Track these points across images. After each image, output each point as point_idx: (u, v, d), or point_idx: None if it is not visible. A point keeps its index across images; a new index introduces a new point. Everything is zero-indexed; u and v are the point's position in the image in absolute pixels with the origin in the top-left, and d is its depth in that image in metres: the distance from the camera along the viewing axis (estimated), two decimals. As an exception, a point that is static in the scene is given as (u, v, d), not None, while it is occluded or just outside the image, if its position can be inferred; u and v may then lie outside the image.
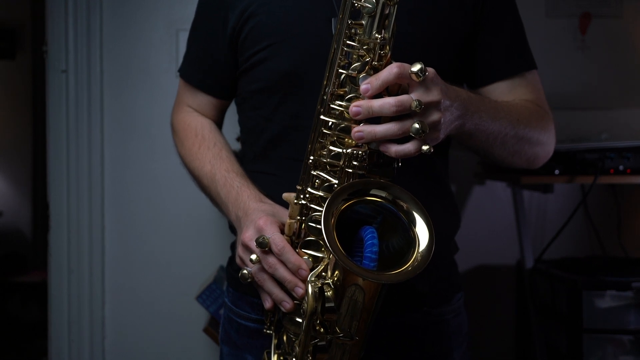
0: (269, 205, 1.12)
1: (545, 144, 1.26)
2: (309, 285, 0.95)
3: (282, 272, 1.02)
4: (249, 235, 1.07)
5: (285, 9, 1.17)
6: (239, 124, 1.32)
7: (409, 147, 0.95)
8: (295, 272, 1.01)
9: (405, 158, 0.98)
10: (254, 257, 1.05)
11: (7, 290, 4.48)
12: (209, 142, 1.30)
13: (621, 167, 2.10)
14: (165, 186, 2.34)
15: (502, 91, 1.24)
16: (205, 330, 2.28)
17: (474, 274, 2.60)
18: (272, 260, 1.03)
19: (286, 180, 1.13)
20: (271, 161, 1.22)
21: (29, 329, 4.10)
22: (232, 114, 1.37)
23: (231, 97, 1.34)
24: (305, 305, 0.95)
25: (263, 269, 1.05)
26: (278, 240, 1.03)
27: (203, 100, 1.35)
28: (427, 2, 1.18)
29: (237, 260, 1.13)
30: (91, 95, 2.32)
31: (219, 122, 1.38)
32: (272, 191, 1.16)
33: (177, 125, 1.37)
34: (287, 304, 1.03)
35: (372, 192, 0.98)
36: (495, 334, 2.61)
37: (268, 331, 1.13)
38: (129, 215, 2.36)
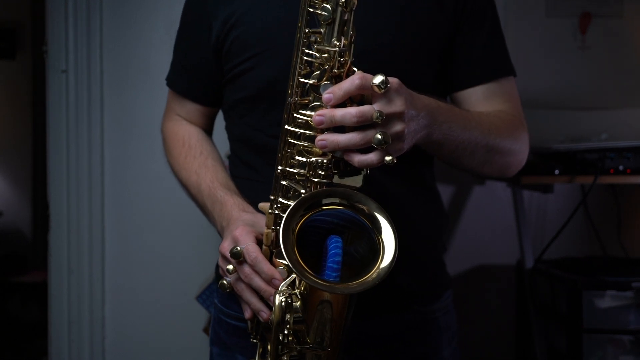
0: (251, 215, 1.13)
1: (518, 152, 1.25)
2: (276, 296, 0.96)
3: (257, 282, 1.03)
4: (225, 246, 1.09)
5: (268, 20, 1.18)
6: (227, 131, 1.33)
7: (371, 157, 0.96)
8: (268, 282, 1.02)
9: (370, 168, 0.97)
10: (230, 267, 1.06)
11: (7, 290, 4.48)
12: (195, 151, 1.31)
13: (621, 167, 2.10)
14: (165, 186, 2.34)
15: (478, 97, 1.24)
16: (205, 330, 2.29)
17: (474, 274, 2.60)
18: (247, 270, 1.04)
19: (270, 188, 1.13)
20: (259, 168, 1.23)
21: (29, 329, 4.09)
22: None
23: (218, 104, 1.35)
24: (272, 316, 0.96)
25: (240, 279, 1.06)
26: (251, 251, 1.04)
27: (191, 108, 1.36)
28: (410, 11, 1.18)
29: (220, 270, 1.15)
30: (91, 95, 2.32)
31: (208, 130, 1.39)
32: (260, 198, 1.16)
33: (166, 134, 1.39)
34: (264, 314, 1.04)
35: (330, 200, 0.97)
36: (495, 334, 2.61)
37: (254, 340, 1.13)
38: (129, 215, 2.35)
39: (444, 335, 1.27)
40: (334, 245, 0.96)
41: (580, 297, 2.04)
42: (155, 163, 2.34)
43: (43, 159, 2.48)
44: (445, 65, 1.23)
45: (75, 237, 2.34)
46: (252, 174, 1.24)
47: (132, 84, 2.34)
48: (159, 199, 2.34)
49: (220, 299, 1.30)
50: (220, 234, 1.19)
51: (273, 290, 1.01)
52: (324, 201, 0.97)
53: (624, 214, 2.57)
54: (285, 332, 0.96)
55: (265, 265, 1.03)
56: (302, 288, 0.96)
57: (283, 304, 0.95)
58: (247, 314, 1.09)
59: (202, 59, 1.27)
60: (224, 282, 1.09)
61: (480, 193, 2.62)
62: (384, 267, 0.93)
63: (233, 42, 1.20)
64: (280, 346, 0.98)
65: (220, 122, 1.40)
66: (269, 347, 1.06)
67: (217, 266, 1.32)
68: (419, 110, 1.00)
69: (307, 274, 0.91)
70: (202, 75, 1.30)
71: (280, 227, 0.93)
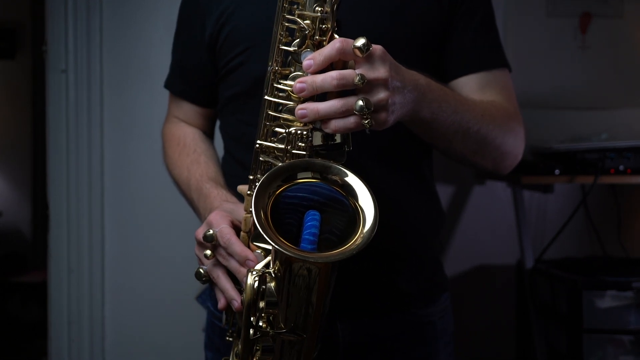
0: (231, 204, 1.11)
1: (512, 145, 1.21)
2: (249, 275, 0.89)
3: (234, 264, 1.00)
4: (199, 231, 1.06)
5: (259, 14, 1.17)
6: (220, 130, 1.33)
7: (349, 120, 0.89)
8: (242, 263, 0.99)
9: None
10: (208, 252, 1.03)
11: (7, 290, 4.48)
12: (188, 149, 1.30)
13: (621, 167, 2.10)
14: (165, 186, 2.32)
15: (472, 87, 1.21)
16: (205, 330, 2.28)
17: (474, 274, 2.60)
18: (223, 252, 1.02)
19: None
20: (249, 166, 1.22)
21: (29, 329, 4.09)
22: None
23: (215, 105, 1.34)
24: (243, 296, 0.89)
25: (217, 264, 1.03)
26: (225, 233, 1.01)
27: (188, 109, 1.36)
28: (405, 2, 1.17)
29: (198, 260, 1.10)
30: (91, 95, 2.32)
31: (207, 131, 1.39)
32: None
33: (164, 136, 1.39)
34: (236, 303, 1.00)
35: (300, 174, 0.91)
36: (495, 334, 2.61)
37: (229, 338, 1.10)
38: (129, 215, 2.35)
39: (440, 340, 1.25)
40: (311, 218, 0.90)
41: (580, 297, 2.04)
42: (155, 163, 2.34)
43: (43, 159, 2.48)
44: (439, 57, 1.22)
45: (75, 237, 2.33)
46: (243, 171, 1.23)
47: (132, 84, 2.33)
48: (159, 199, 2.34)
49: (214, 303, 1.29)
50: None
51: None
52: (300, 175, 0.91)
53: (624, 214, 2.57)
54: (258, 315, 0.89)
55: (238, 247, 0.99)
56: (277, 268, 0.89)
57: (256, 283, 0.88)
58: (221, 303, 1.04)
59: (197, 59, 1.28)
60: (200, 270, 1.05)
61: (480, 193, 2.62)
62: (365, 234, 0.86)
63: (225, 39, 1.20)
64: (251, 331, 0.90)
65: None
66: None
67: None
68: (405, 82, 0.95)
69: (279, 242, 0.83)
70: (197, 75, 1.30)
71: (253, 194, 0.87)
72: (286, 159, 0.95)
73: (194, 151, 1.30)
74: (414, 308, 1.21)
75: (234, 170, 1.26)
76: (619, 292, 2.05)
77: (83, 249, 2.33)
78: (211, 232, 1.02)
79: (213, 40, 1.23)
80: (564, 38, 2.59)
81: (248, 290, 0.88)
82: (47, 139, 2.37)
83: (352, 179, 0.91)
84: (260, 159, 0.99)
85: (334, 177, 0.91)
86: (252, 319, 0.90)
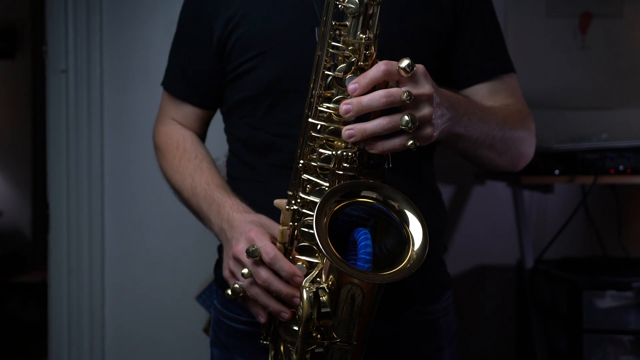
0: (255, 216, 1.12)
1: (530, 143, 1.27)
2: (304, 291, 0.93)
3: (277, 285, 1.01)
4: (240, 248, 1.05)
5: (270, 19, 1.18)
6: (226, 133, 1.33)
7: (394, 141, 0.94)
8: (289, 279, 1.00)
9: (393, 153, 0.97)
10: (245, 271, 1.03)
11: (7, 290, 4.49)
12: (190, 155, 1.30)
13: (621, 167, 2.10)
14: (165, 186, 2.32)
15: (483, 94, 1.25)
16: (205, 330, 2.28)
17: (475, 274, 2.60)
18: (265, 275, 1.02)
19: (274, 188, 1.13)
20: (259, 169, 1.23)
21: (29, 329, 4.10)
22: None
23: (216, 108, 1.35)
24: (301, 311, 0.93)
25: (255, 283, 1.04)
26: (269, 249, 1.01)
27: (188, 112, 1.35)
28: (410, 11, 1.18)
29: (226, 274, 1.12)
30: (91, 95, 2.32)
31: (202, 134, 1.39)
32: (259, 199, 1.16)
33: (159, 137, 1.38)
34: (286, 314, 1.02)
35: (363, 193, 0.97)
36: (495, 334, 2.61)
37: (265, 342, 1.11)
38: (129, 215, 2.35)
39: (444, 336, 1.27)
40: (364, 237, 0.95)
41: (580, 297, 2.04)
42: (155, 163, 2.33)
43: (43, 159, 2.48)
44: (444, 65, 1.24)
45: (75, 237, 2.34)
46: (252, 175, 1.24)
47: (132, 84, 2.34)
48: (159, 199, 2.33)
49: (220, 300, 1.29)
50: (219, 237, 1.18)
51: (295, 291, 0.99)
52: (363, 193, 0.97)
53: (624, 214, 2.57)
54: (313, 327, 0.95)
55: (285, 264, 1.00)
56: (330, 282, 0.94)
57: (312, 298, 0.93)
58: (263, 318, 1.07)
59: (203, 63, 1.27)
60: (237, 286, 1.05)
61: (480, 193, 2.62)
62: (417, 255, 0.93)
63: (235, 43, 1.20)
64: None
65: (216, 124, 1.40)
66: (281, 347, 1.06)
67: (216, 267, 1.32)
68: (442, 99, 0.99)
69: (343, 264, 0.89)
70: (201, 78, 1.30)
71: (313, 216, 0.92)
72: (331, 178, 0.99)
73: (195, 157, 1.29)
74: (418, 305, 1.22)
75: (243, 174, 1.26)
76: (619, 292, 2.05)
77: (83, 249, 2.34)
78: (255, 247, 1.01)
79: (222, 45, 1.22)
80: (564, 38, 2.59)
81: (305, 305, 0.92)
82: (47, 139, 2.37)
83: (408, 207, 0.97)
84: (304, 177, 1.02)
85: (392, 202, 0.97)
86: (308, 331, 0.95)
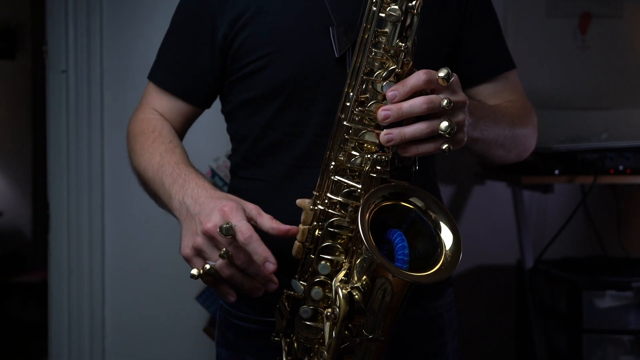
0: (224, 194, 1.07)
1: (534, 137, 1.33)
2: (339, 290, 0.96)
3: (256, 268, 0.97)
4: (212, 225, 0.99)
5: (282, 18, 1.17)
6: (229, 132, 1.30)
7: (429, 145, 0.97)
8: (261, 264, 0.96)
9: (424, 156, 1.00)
10: (224, 251, 0.96)
11: (7, 290, 4.48)
12: (164, 139, 1.24)
13: (621, 167, 2.10)
14: (165, 186, 2.34)
15: (489, 93, 1.29)
16: (205, 330, 2.29)
17: (474, 273, 2.61)
18: (245, 256, 0.98)
19: (279, 187, 1.13)
20: (266, 168, 1.21)
21: (29, 329, 4.10)
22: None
23: (205, 107, 1.32)
24: (337, 310, 0.95)
25: (232, 264, 0.99)
26: (244, 229, 0.96)
27: (174, 105, 1.31)
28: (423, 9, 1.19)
29: (187, 252, 1.06)
30: (91, 95, 2.32)
31: (182, 133, 1.34)
32: (266, 198, 1.15)
33: (135, 124, 1.32)
34: (259, 292, 1.00)
35: (412, 199, 1.00)
36: (495, 334, 2.61)
37: (276, 338, 1.10)
38: (129, 215, 2.35)
39: (448, 331, 1.28)
40: (400, 239, 0.98)
41: (580, 297, 2.04)
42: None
43: (43, 159, 2.48)
44: (451, 66, 1.24)
45: (75, 237, 2.34)
46: (258, 174, 1.23)
47: (132, 84, 2.33)
48: (159, 199, 2.34)
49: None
50: (176, 212, 1.14)
51: (272, 276, 0.98)
52: (412, 199, 1.00)
53: (624, 214, 2.57)
54: (347, 324, 0.96)
55: (259, 246, 0.96)
56: (364, 282, 0.96)
57: (347, 297, 0.95)
58: (232, 298, 1.03)
59: (202, 58, 1.25)
60: (207, 266, 0.99)
61: (480, 193, 2.62)
62: (451, 258, 0.99)
63: (244, 41, 1.18)
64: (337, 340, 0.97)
65: (216, 124, 1.39)
66: (295, 344, 1.07)
67: None
68: (467, 106, 1.04)
69: (387, 264, 0.93)
70: (197, 73, 1.27)
71: (358, 210, 0.94)
72: (365, 180, 1.01)
73: (169, 141, 1.24)
74: (424, 301, 1.24)
75: (249, 173, 1.24)
76: (619, 292, 2.05)
77: (83, 249, 2.34)
78: (229, 224, 0.96)
79: (228, 43, 1.20)
80: (564, 38, 2.59)
81: (343, 303, 0.94)
82: (47, 139, 2.37)
83: (443, 216, 1.01)
84: (336, 178, 1.02)
85: (429, 210, 1.01)
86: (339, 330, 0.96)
